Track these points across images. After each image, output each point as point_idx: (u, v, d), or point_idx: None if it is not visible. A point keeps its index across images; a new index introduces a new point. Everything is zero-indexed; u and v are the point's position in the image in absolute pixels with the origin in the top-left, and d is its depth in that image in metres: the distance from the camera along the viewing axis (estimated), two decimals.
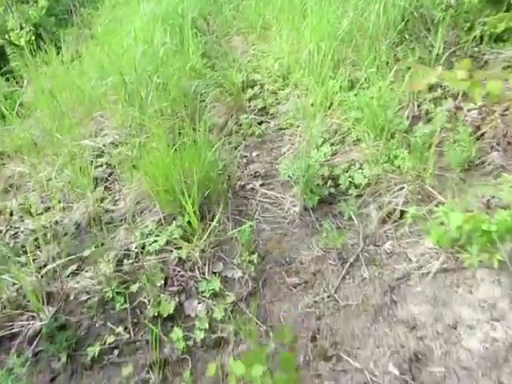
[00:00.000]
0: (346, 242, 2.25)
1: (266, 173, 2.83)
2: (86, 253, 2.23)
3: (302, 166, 2.49)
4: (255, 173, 2.82)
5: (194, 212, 2.23)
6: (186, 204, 2.21)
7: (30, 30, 4.97)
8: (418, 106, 3.14)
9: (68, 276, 2.15)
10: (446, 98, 3.23)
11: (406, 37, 3.70)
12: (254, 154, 3.04)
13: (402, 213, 2.37)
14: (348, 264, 2.17)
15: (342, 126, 2.93)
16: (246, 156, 3.00)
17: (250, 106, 3.54)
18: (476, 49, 3.61)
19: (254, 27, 4.58)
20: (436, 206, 2.28)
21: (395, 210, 2.37)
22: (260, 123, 3.35)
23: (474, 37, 3.64)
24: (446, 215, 2.09)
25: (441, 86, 3.34)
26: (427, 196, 2.37)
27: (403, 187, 2.43)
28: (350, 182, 2.54)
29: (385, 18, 3.67)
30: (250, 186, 2.73)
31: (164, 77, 3.27)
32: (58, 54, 4.67)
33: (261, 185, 2.74)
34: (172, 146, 2.48)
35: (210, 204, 2.46)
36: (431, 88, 3.33)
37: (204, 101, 3.37)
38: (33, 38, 4.93)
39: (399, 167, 2.53)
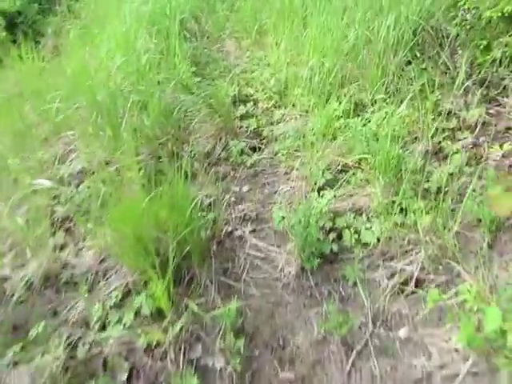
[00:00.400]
0: (351, 324, 1.79)
1: (258, 215, 2.36)
2: (33, 332, 1.74)
3: (300, 218, 2.01)
4: (245, 215, 2.35)
5: (169, 280, 1.76)
6: (158, 271, 1.73)
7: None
8: (432, 138, 2.67)
9: (8, 366, 1.66)
10: (461, 130, 2.77)
11: (418, 54, 3.21)
12: (245, 188, 2.55)
13: (418, 281, 1.92)
14: (354, 353, 1.72)
15: (347, 163, 2.44)
16: (234, 192, 2.51)
17: (241, 127, 3.04)
18: (494, 71, 3.12)
19: (249, 31, 4.05)
20: (460, 278, 1.83)
21: (410, 278, 1.92)
22: (253, 149, 2.85)
23: (492, 58, 3.16)
24: (475, 300, 1.65)
25: (455, 114, 2.88)
26: (447, 264, 1.91)
27: (419, 250, 1.97)
28: (356, 239, 2.08)
29: (395, 32, 3.17)
30: (239, 232, 2.26)
31: (144, 93, 2.75)
32: (35, 48, 4.11)
33: (251, 231, 2.27)
34: (147, 191, 2.00)
35: (189, 262, 1.98)
36: (444, 114, 2.87)
37: (190, 121, 2.87)
38: (3, 33, 4.34)
39: (415, 223, 2.07)
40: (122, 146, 2.42)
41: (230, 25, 4.30)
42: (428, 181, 2.34)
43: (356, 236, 2.07)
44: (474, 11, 3.42)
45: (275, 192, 2.47)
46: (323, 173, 2.39)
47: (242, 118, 3.15)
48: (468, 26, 3.42)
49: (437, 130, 2.72)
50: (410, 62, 3.20)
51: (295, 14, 3.80)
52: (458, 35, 3.38)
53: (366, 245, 2.06)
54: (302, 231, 1.99)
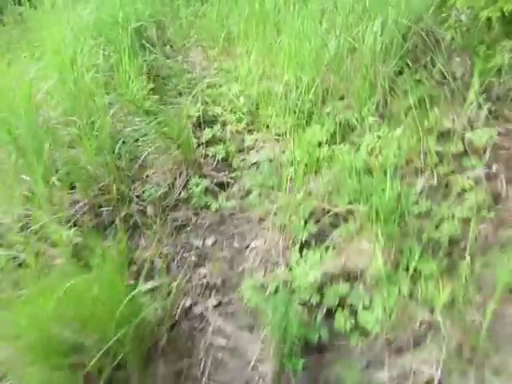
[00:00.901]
0: None
1: (224, 282, 1.77)
2: None
3: (277, 302, 1.42)
4: (207, 283, 1.75)
5: None
6: None
7: None
8: (436, 167, 2.10)
9: None
10: (468, 156, 2.20)
11: (409, 63, 2.62)
12: (209, 241, 1.96)
13: None
14: None
15: (335, 207, 1.85)
16: (196, 247, 1.91)
17: (206, 156, 2.43)
18: (499, 81, 2.55)
19: (216, 39, 3.41)
20: None
21: None
22: (220, 186, 2.25)
23: (495, 65, 2.58)
24: None
25: (459, 135, 2.30)
26: (479, 363, 1.34)
27: (439, 339, 1.39)
28: (353, 323, 1.49)
29: (382, 38, 2.58)
30: (199, 309, 1.67)
31: (80, 127, 2.11)
32: None
33: (215, 306, 1.67)
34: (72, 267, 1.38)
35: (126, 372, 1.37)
36: (446, 136, 2.30)
37: (142, 153, 2.24)
38: None
39: (428, 295, 1.49)
40: (49, 196, 1.78)
41: (196, 32, 3.65)
42: (437, 228, 1.76)
43: (352, 319, 1.48)
44: (468, 11, 2.84)
45: (246, 247, 1.86)
46: (306, 223, 1.79)
47: (208, 144, 2.54)
48: (464, 28, 2.84)
49: (439, 156, 2.15)
50: (401, 72, 2.61)
51: (267, 18, 3.18)
52: (452, 39, 2.80)
53: (365, 331, 1.47)
54: (279, 317, 1.39)
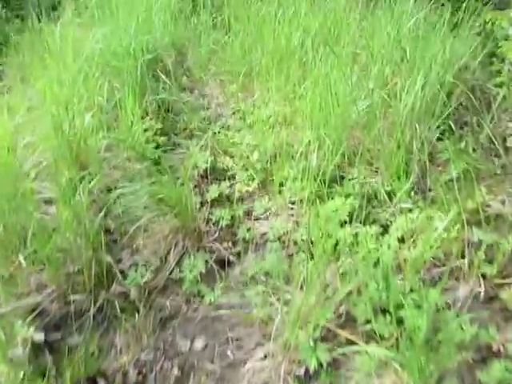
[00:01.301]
0: None
1: None
2: None
3: None
4: None
5: None
6: None
7: None
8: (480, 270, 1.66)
9: None
10: None
11: (452, 125, 2.18)
12: (198, 343, 1.58)
13: None
14: None
15: (352, 329, 1.44)
16: (181, 352, 1.52)
17: (209, 221, 2.05)
18: None
19: (236, 74, 3.03)
20: None
21: None
22: (220, 263, 1.86)
23: None
24: None
25: (509, 223, 1.87)
26: None
27: None
28: None
29: (422, 93, 2.15)
30: None
31: (63, 185, 1.75)
32: None
33: None
34: None
35: None
36: (493, 221, 1.88)
37: (133, 221, 1.87)
38: None
39: None
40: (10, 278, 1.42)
41: (215, 63, 3.27)
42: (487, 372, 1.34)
43: None
44: None
45: (242, 363, 1.46)
46: (315, 346, 1.38)
47: (213, 204, 2.16)
48: None
49: (488, 252, 1.71)
50: (441, 138, 2.18)
51: (292, 57, 2.78)
52: (504, 98, 2.36)
53: None
54: None
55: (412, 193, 1.97)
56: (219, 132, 2.61)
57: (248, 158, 2.25)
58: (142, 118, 2.60)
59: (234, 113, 2.86)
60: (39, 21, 4.46)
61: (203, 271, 1.73)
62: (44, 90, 2.39)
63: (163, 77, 3.03)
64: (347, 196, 1.97)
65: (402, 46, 2.41)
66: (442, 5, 2.98)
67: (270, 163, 2.23)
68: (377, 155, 2.14)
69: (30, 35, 3.59)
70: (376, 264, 1.67)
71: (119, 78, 2.66)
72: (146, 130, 2.50)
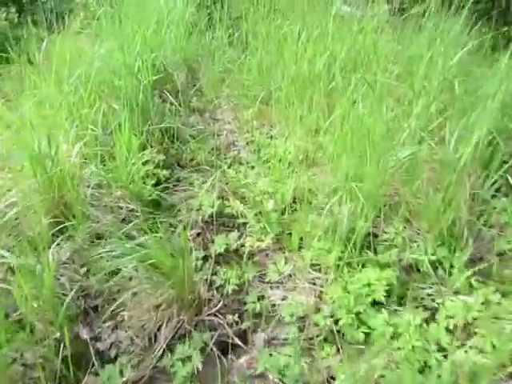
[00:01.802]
0: None
1: None
2: None
3: None
4: None
5: None
6: None
7: None
8: None
9: None
10: None
11: (510, 179, 1.76)
12: None
13: None
14: None
15: None
16: None
17: (212, 284, 1.64)
18: None
19: (252, 99, 2.63)
20: None
21: None
22: (220, 347, 1.45)
23: None
24: None
25: None
26: None
27: None
28: None
29: (475, 140, 1.73)
30: None
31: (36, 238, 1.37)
32: None
33: None
34: None
35: None
36: None
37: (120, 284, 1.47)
38: None
39: None
40: None
41: (230, 84, 2.88)
42: None
43: None
44: None
45: None
46: None
47: (219, 260, 1.75)
48: None
49: None
50: (496, 194, 1.76)
51: (316, 84, 2.38)
52: None
53: None
54: None
55: (463, 266, 1.54)
56: (230, 167, 2.21)
57: (262, 202, 1.84)
58: (144, 148, 2.22)
59: (247, 143, 2.46)
60: (49, 28, 4.13)
61: (199, 366, 1.32)
62: (31, 112, 2.02)
63: (171, 98, 2.64)
64: (382, 266, 1.55)
65: (449, 79, 1.99)
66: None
67: (288, 213, 1.82)
68: (418, 211, 1.72)
69: (33, 44, 3.24)
70: (422, 370, 1.25)
71: (119, 100, 2.27)
72: (145, 163, 2.10)
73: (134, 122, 2.27)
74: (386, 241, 1.65)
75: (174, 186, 2.17)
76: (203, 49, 3.37)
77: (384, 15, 3.98)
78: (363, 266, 1.56)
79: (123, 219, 1.89)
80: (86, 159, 1.99)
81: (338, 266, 1.57)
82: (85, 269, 1.58)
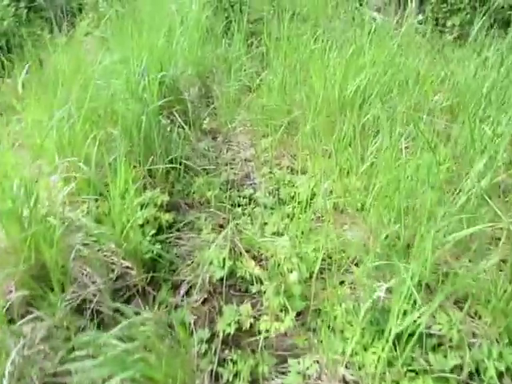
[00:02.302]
0: None
1: None
2: None
3: None
4: None
5: None
6: None
7: None
8: None
9: None
10: None
11: None
12: None
13: None
14: None
15: None
16: None
17: (217, 377, 1.29)
18: None
19: (271, 127, 2.25)
20: None
21: None
22: None
23: None
24: None
25: None
26: None
27: None
28: None
29: None
30: None
31: None
32: None
33: None
34: None
35: None
36: None
37: None
38: None
39: None
40: None
41: (247, 105, 2.50)
42: None
43: None
44: None
45: None
46: None
47: (228, 340, 1.40)
48: None
49: None
50: None
51: (347, 112, 2.00)
52: None
53: None
54: None
55: None
56: (244, 210, 1.85)
57: (282, 274, 1.47)
58: (145, 186, 1.86)
59: (263, 176, 2.09)
60: (59, 27, 3.77)
61: None
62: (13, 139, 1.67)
63: (180, 119, 2.28)
64: (436, 374, 1.18)
65: None
66: None
67: (315, 280, 1.45)
68: (478, 295, 1.35)
69: (32, 55, 2.88)
70: None
71: (119, 127, 1.91)
72: (144, 207, 1.75)
73: (136, 154, 1.93)
74: (439, 336, 1.28)
75: (179, 230, 1.82)
76: (218, 59, 2.99)
77: (417, 26, 3.56)
78: (412, 380, 1.20)
79: (116, 278, 1.55)
80: (75, 202, 1.65)
81: (379, 372, 1.21)
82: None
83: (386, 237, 1.42)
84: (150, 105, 1.99)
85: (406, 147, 1.65)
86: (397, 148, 1.63)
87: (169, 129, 2.26)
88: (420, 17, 3.69)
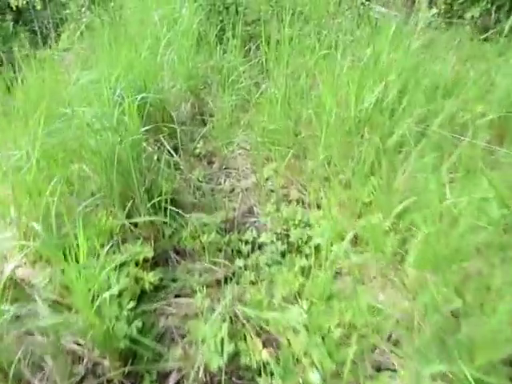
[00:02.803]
0: None
1: None
2: None
3: None
4: None
5: None
6: None
7: None
8: None
9: None
10: None
11: None
12: None
13: None
14: None
15: None
16: None
17: None
18: None
19: (275, 151, 1.85)
20: None
21: None
22: None
23: None
24: None
25: None
26: None
27: None
28: None
29: None
30: None
31: None
32: None
33: None
34: None
35: None
36: None
37: None
38: None
39: None
40: None
41: (246, 123, 2.11)
42: None
43: None
44: None
45: None
46: None
47: None
48: None
49: None
50: None
51: (366, 128, 1.60)
52: None
53: None
54: None
55: None
56: (246, 267, 1.46)
57: (298, 373, 1.08)
58: (123, 238, 1.48)
59: (268, 214, 1.69)
60: (44, 41, 3.40)
61: None
62: None
63: (168, 146, 1.89)
64: None
65: None
66: None
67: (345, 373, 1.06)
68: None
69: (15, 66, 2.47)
70: None
71: (91, 165, 1.53)
72: (121, 265, 1.37)
73: (112, 196, 1.54)
74: None
75: (167, 292, 1.43)
76: (213, 70, 2.59)
77: (431, 20, 3.14)
78: None
79: (84, 375, 1.17)
80: (32, 272, 1.27)
81: None
82: None
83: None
84: (129, 133, 1.60)
85: (451, 181, 1.25)
86: (439, 182, 1.23)
87: (155, 157, 1.88)
88: (434, 10, 3.26)
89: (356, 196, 1.57)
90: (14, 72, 2.57)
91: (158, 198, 1.54)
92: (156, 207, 1.61)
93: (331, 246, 1.41)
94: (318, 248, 1.43)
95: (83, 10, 3.27)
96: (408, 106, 1.62)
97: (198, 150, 2.08)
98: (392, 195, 1.47)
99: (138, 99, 1.74)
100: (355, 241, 1.48)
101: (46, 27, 4.39)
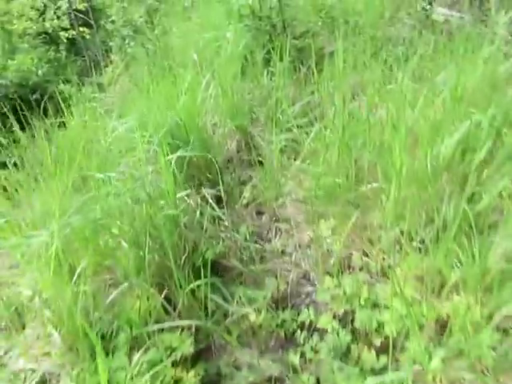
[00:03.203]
0: None
1: None
2: None
3: None
4: None
5: None
6: None
7: None
8: None
9: None
10: None
11: None
12: None
13: None
14: None
15: None
16: None
17: None
18: None
19: (333, 203, 1.56)
20: None
21: None
22: None
23: None
24: None
25: None
26: None
27: None
28: None
29: None
30: None
31: None
32: None
33: None
34: None
35: None
36: None
37: None
38: None
39: None
40: None
41: (300, 167, 1.82)
42: None
43: None
44: None
45: None
46: None
47: None
48: None
49: None
50: None
51: (445, 181, 1.27)
52: None
53: None
54: None
55: None
56: (303, 367, 1.20)
57: None
58: (159, 329, 1.27)
59: (327, 290, 1.40)
60: (93, 71, 3.38)
61: None
62: None
63: (211, 200, 1.67)
64: None
65: None
66: None
67: None
68: None
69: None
70: None
71: (122, 240, 1.34)
72: (154, 366, 1.15)
73: (146, 277, 1.34)
74: None
75: None
76: (259, 101, 2.33)
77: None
78: None
79: None
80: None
81: None
82: None
83: None
84: (164, 200, 1.39)
85: None
86: None
87: (198, 213, 1.66)
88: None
89: (437, 267, 1.25)
90: (57, 112, 2.49)
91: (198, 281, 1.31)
92: (197, 275, 1.39)
93: (408, 338, 1.11)
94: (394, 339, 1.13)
95: (127, 40, 3.16)
96: (503, 154, 1.26)
97: (245, 201, 1.84)
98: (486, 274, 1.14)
99: (177, 155, 1.53)
100: (441, 331, 1.17)
101: (96, 55, 4.40)
